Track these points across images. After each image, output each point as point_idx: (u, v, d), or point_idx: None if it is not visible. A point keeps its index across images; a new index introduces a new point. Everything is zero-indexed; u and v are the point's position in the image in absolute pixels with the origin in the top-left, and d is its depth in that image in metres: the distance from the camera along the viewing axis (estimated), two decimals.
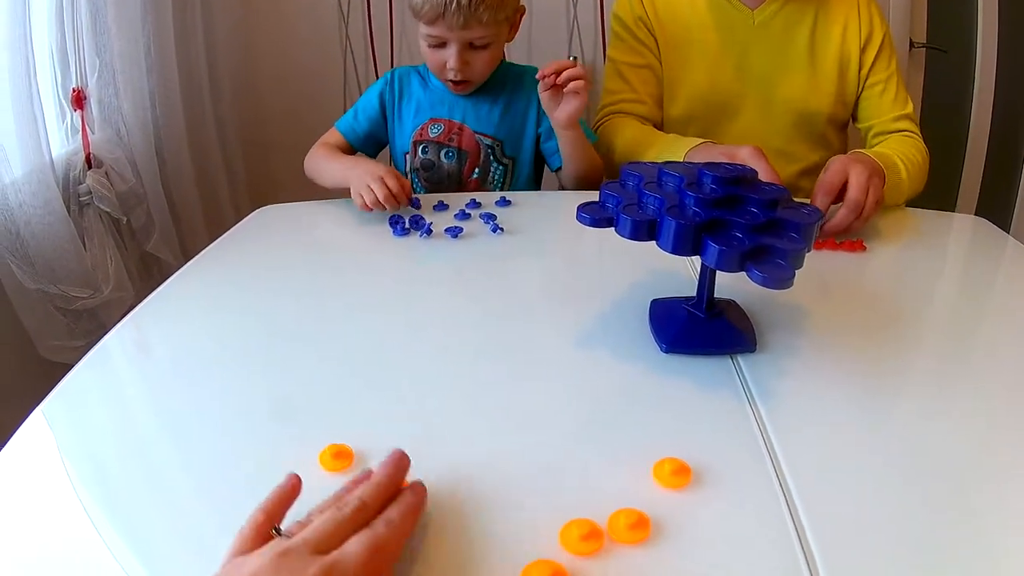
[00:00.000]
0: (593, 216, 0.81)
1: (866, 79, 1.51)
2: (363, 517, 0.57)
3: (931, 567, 0.60)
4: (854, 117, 1.58)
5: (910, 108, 1.52)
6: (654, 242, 0.79)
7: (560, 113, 1.35)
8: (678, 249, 0.76)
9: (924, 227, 1.33)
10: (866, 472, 0.70)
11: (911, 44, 2.31)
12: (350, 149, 1.54)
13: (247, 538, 0.56)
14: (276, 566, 0.52)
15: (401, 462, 0.65)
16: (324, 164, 1.45)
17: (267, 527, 0.57)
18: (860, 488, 0.68)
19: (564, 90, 1.31)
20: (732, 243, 0.75)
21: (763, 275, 0.73)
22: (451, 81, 1.41)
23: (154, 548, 0.62)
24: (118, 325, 0.97)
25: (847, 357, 0.88)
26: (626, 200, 0.81)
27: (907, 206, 1.45)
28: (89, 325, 1.62)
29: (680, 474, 0.67)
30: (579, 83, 1.29)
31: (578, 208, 0.83)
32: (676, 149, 1.33)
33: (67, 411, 0.81)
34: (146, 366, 0.93)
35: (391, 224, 1.25)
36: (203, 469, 0.72)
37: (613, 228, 0.80)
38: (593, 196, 0.87)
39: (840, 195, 1.17)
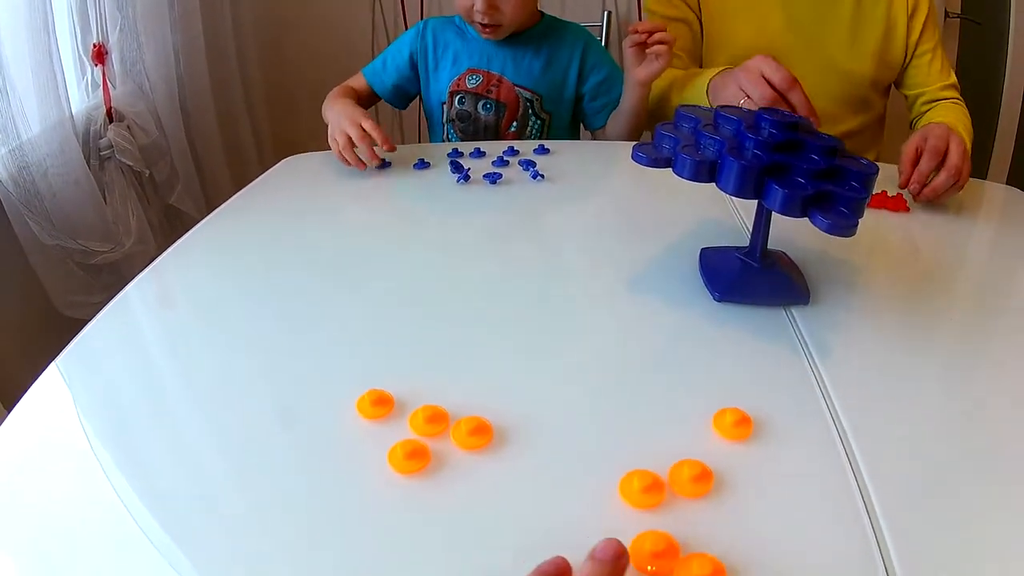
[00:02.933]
0: (649, 156, 0.78)
1: (915, 48, 1.51)
2: None
3: (991, 516, 0.58)
4: (899, 83, 1.57)
5: (953, 78, 1.53)
6: (703, 187, 0.77)
7: (641, 71, 1.33)
8: (740, 191, 0.73)
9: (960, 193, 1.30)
10: (924, 425, 0.69)
11: (946, 14, 2.27)
12: (373, 97, 1.50)
13: None
14: None
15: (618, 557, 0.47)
16: (328, 107, 1.36)
17: None
18: (920, 441, 0.67)
19: (648, 51, 1.30)
20: (795, 188, 0.72)
21: (828, 222, 0.71)
22: (480, 24, 1.37)
23: (171, 505, 0.59)
24: (139, 276, 0.93)
25: (900, 313, 0.86)
26: (684, 141, 0.78)
27: None
28: (109, 279, 1.59)
29: (741, 425, 0.65)
30: (663, 47, 1.29)
31: (633, 148, 0.80)
32: (697, 82, 1.31)
33: (85, 365, 0.77)
34: (168, 318, 0.89)
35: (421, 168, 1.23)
36: (224, 422, 0.68)
37: (670, 169, 0.77)
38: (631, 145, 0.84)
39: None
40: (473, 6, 1.34)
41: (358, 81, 1.49)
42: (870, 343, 0.80)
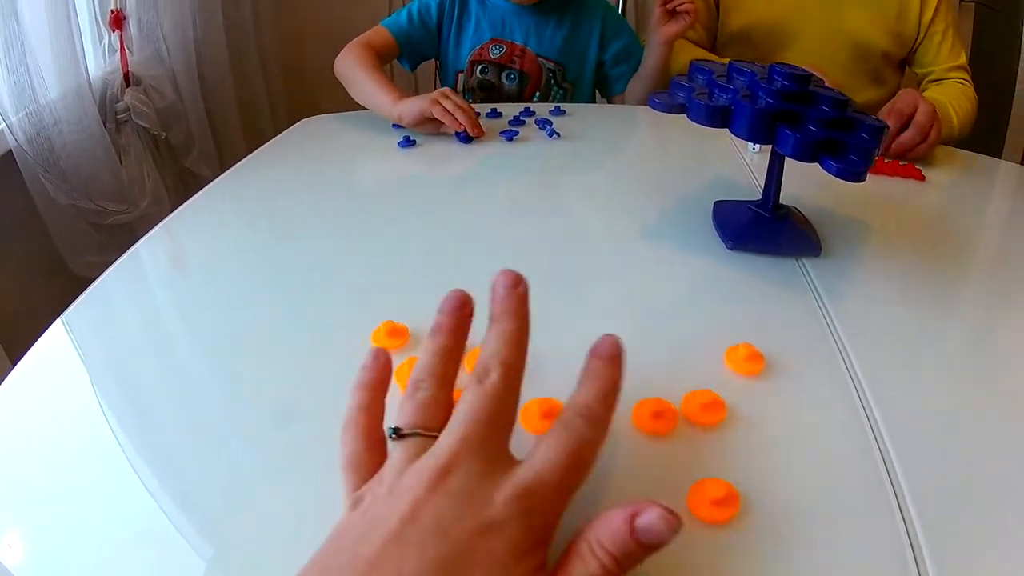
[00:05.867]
0: (664, 103, 0.79)
1: (927, 27, 1.53)
2: (515, 391, 0.40)
3: (997, 449, 0.59)
4: (910, 62, 1.60)
5: (964, 59, 1.56)
6: (717, 146, 0.78)
7: (668, 28, 1.38)
8: (753, 135, 0.74)
9: (974, 168, 1.31)
10: (931, 361, 0.72)
11: None
12: (394, 51, 1.44)
13: (359, 454, 0.38)
14: (448, 497, 0.33)
15: (519, 287, 0.44)
16: (361, 75, 1.31)
17: (377, 429, 0.39)
18: (926, 376, 0.69)
19: (679, 9, 1.37)
20: (807, 133, 0.73)
21: (838, 166, 0.72)
22: None
23: (178, 462, 0.58)
24: (149, 233, 0.92)
25: (909, 268, 0.87)
26: (698, 90, 0.79)
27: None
28: (123, 240, 1.60)
29: (753, 360, 0.65)
30: (690, 5, 1.36)
31: (650, 96, 0.81)
32: None
33: (92, 320, 0.76)
34: (177, 275, 0.88)
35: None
36: (232, 378, 0.67)
37: (685, 115, 0.78)
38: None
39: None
40: None
41: (379, 36, 1.43)
42: (880, 290, 0.82)
